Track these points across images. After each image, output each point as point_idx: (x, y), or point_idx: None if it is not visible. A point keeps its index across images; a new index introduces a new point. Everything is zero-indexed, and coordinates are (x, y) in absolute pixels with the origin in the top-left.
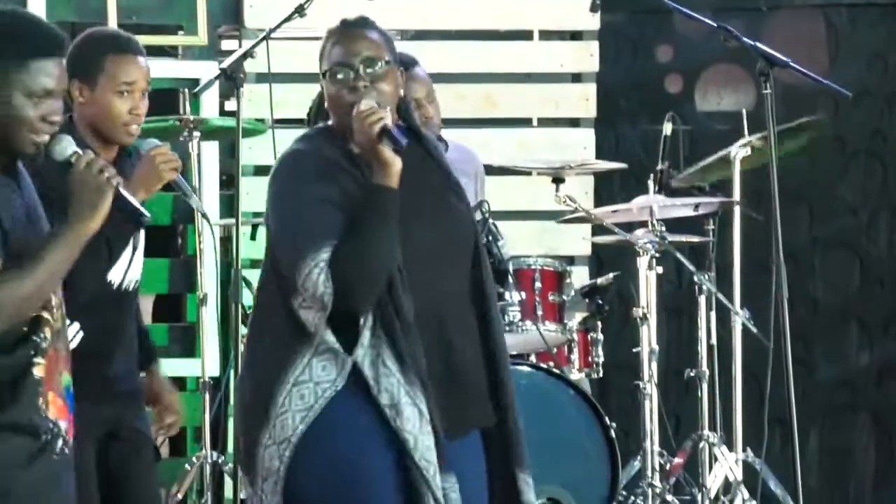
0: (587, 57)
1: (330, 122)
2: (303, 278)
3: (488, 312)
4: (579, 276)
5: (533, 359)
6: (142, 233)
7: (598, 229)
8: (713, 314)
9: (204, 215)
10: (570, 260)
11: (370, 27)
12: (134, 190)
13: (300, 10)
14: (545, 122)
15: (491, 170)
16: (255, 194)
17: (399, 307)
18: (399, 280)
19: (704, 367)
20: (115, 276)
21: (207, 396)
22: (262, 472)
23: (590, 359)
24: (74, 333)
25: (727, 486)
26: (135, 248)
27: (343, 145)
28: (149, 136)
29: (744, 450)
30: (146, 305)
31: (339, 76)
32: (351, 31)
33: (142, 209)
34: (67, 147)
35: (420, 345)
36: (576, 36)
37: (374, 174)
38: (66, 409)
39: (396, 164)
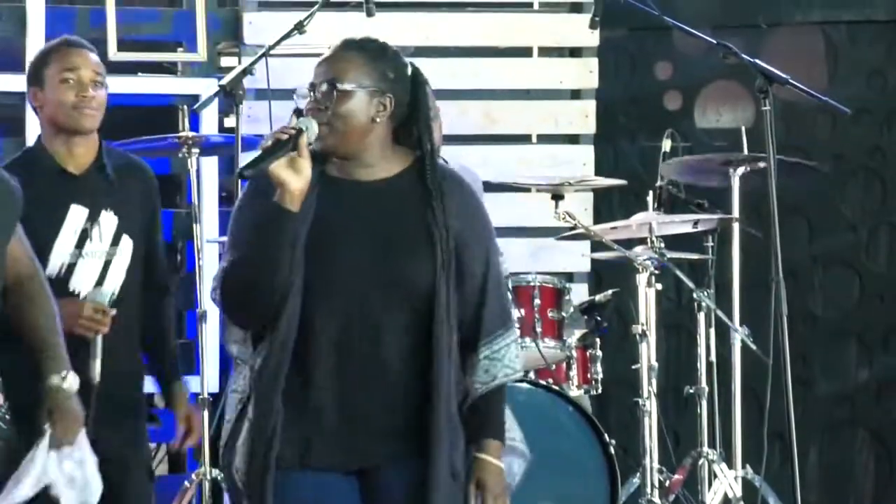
0: (586, 73)
1: None
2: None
3: (430, 371)
4: (578, 293)
5: (532, 375)
6: (122, 246)
7: (598, 246)
8: (712, 331)
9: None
10: (570, 276)
11: (356, 49)
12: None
13: (299, 27)
14: (544, 139)
15: (490, 186)
16: None
17: (278, 329)
18: (290, 301)
19: (704, 384)
20: (78, 285)
21: (207, 413)
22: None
23: (589, 375)
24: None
25: (727, 503)
26: (107, 262)
27: (320, 164)
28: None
29: (743, 466)
30: None
31: (308, 97)
32: (333, 52)
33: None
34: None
35: (279, 372)
36: (575, 53)
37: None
38: None
39: (288, 185)
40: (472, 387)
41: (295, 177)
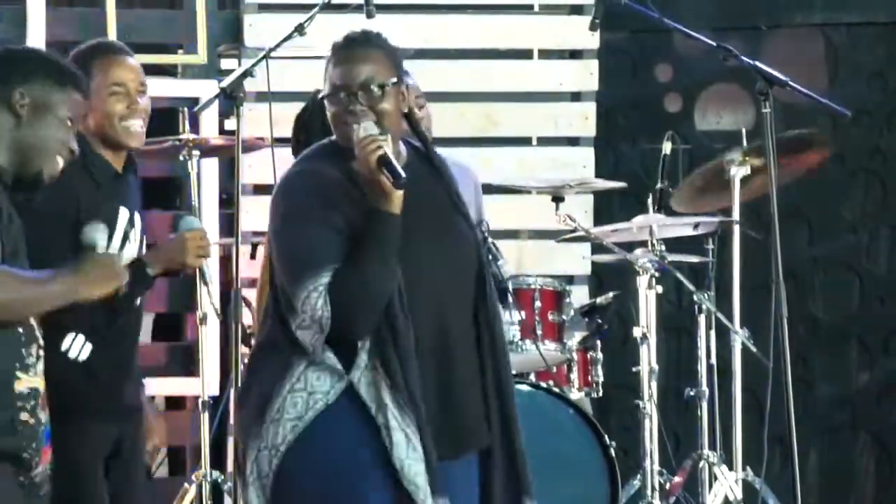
0: (587, 76)
1: (333, 138)
2: (301, 301)
3: (492, 330)
4: (579, 296)
5: (533, 378)
6: (143, 248)
7: (598, 248)
8: (713, 333)
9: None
10: (570, 279)
11: (372, 45)
12: (156, 260)
13: (300, 29)
14: (545, 141)
15: (491, 189)
16: (254, 213)
17: (396, 331)
18: (398, 303)
19: (704, 387)
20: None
21: (207, 415)
22: (253, 476)
23: (589, 378)
24: (81, 345)
25: None
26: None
27: (344, 164)
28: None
29: (743, 469)
30: (146, 324)
31: (338, 99)
32: (352, 51)
33: None
34: (100, 236)
35: (415, 368)
36: (575, 55)
37: (375, 199)
38: (43, 447)
39: (396, 192)
40: None
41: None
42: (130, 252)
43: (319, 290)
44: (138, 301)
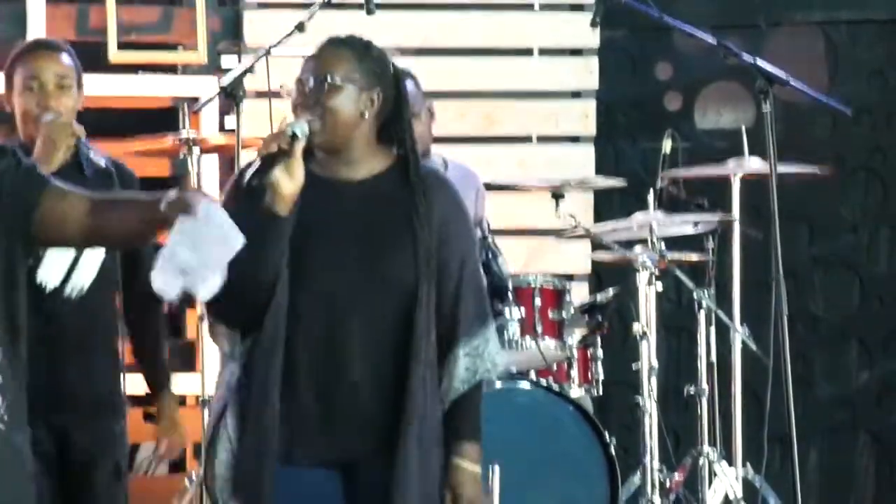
0: (587, 74)
1: None
2: None
3: (409, 374)
4: (579, 293)
5: (532, 376)
6: None
7: (598, 246)
8: (713, 331)
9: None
10: (570, 277)
11: (347, 46)
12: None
13: (300, 27)
14: (545, 140)
15: (491, 187)
16: None
17: (263, 328)
18: (278, 301)
19: (704, 384)
20: (46, 278)
21: (207, 412)
22: None
23: (589, 375)
24: None
25: (727, 503)
26: (77, 258)
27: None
28: (151, 155)
29: (743, 466)
30: None
31: (296, 91)
32: (323, 48)
33: None
34: None
35: (272, 367)
36: (575, 53)
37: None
38: None
39: (283, 190)
40: (450, 387)
41: (289, 182)
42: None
43: None
44: (71, 291)
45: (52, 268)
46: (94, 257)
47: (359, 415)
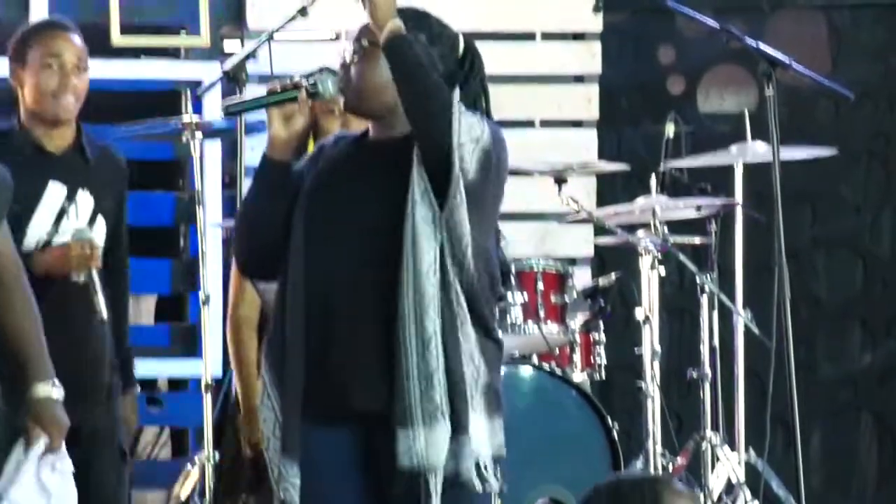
0: (589, 58)
1: None
2: None
3: (399, 304)
4: (581, 278)
5: (535, 360)
6: (97, 227)
7: (601, 230)
8: (715, 315)
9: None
10: (573, 261)
11: (403, 15)
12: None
13: (303, 11)
14: (548, 124)
15: None
16: None
17: (284, 282)
18: (292, 259)
19: (707, 368)
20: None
21: (209, 397)
22: None
23: (592, 359)
24: None
25: (730, 487)
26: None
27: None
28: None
29: (746, 450)
30: (148, 306)
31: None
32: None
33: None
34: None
35: (292, 322)
36: (578, 37)
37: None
38: None
39: (275, 132)
40: None
41: (283, 127)
42: (74, 227)
43: None
44: (79, 277)
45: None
46: (98, 238)
47: (348, 370)
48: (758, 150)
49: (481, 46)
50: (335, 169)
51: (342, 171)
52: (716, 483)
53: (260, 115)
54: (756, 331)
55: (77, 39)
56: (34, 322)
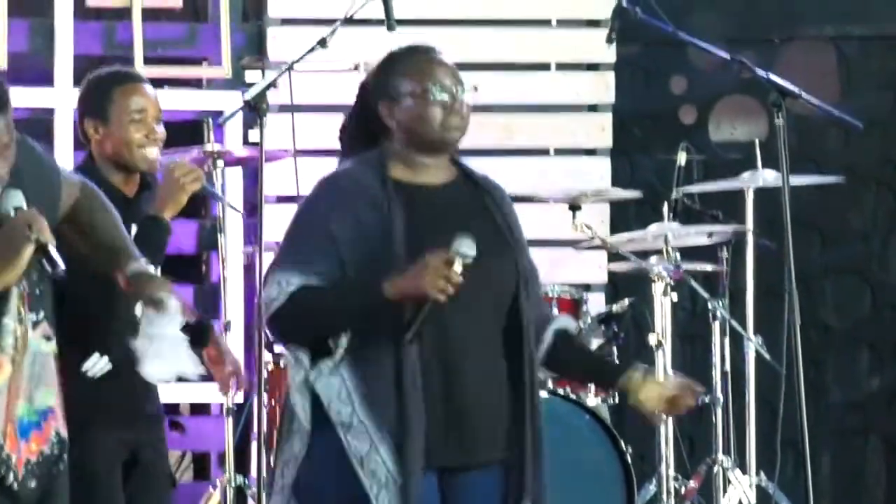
0: (603, 88)
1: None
2: (268, 284)
3: (520, 354)
4: (595, 303)
5: (550, 384)
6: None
7: (614, 257)
8: (727, 340)
9: (234, 209)
10: (587, 287)
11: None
12: (161, 207)
13: (322, 43)
14: (562, 152)
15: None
16: (278, 223)
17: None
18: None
19: (718, 393)
20: (139, 310)
21: (231, 421)
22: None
23: None
24: (103, 365)
25: None
26: None
27: (382, 170)
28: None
29: (757, 473)
30: None
31: (447, 97)
32: (441, 59)
33: (60, 266)
34: (11, 200)
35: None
36: (592, 67)
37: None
38: (17, 441)
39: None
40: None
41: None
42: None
43: (283, 285)
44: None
45: None
46: None
47: (475, 419)
48: (768, 178)
49: (499, 77)
50: (431, 224)
51: (444, 227)
52: None
53: (281, 143)
54: (767, 356)
55: (152, 90)
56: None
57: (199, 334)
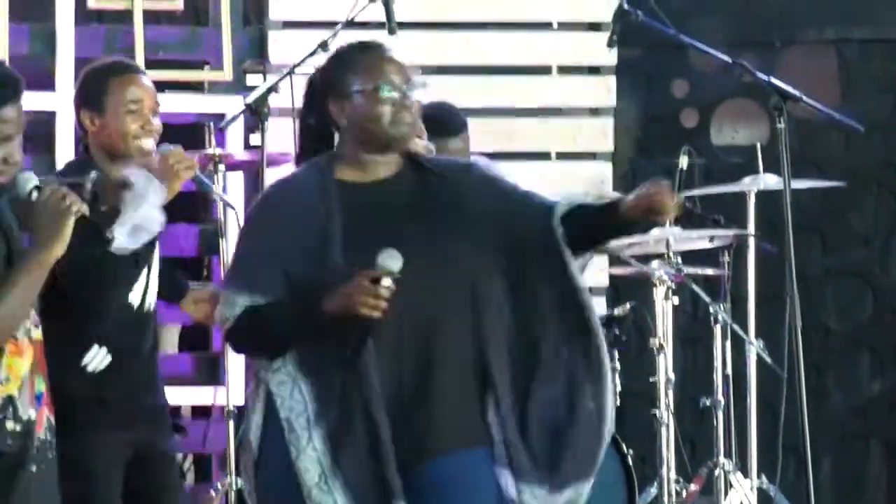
0: (605, 92)
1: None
2: (220, 301)
3: (485, 352)
4: (597, 307)
5: None
6: (155, 255)
7: (616, 261)
8: (728, 344)
9: (228, 205)
10: (588, 291)
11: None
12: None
13: (323, 46)
14: (564, 156)
15: None
16: None
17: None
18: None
19: (720, 396)
20: (133, 298)
21: (232, 424)
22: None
23: None
24: (102, 358)
25: None
26: (149, 270)
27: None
28: None
29: (758, 476)
30: (172, 335)
31: (392, 94)
32: (388, 54)
33: (111, 223)
34: (28, 183)
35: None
36: (593, 71)
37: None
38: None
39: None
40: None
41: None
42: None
43: (232, 312)
44: (147, 273)
45: (137, 288)
46: (156, 275)
47: (432, 410)
48: (769, 182)
49: (500, 80)
50: (372, 225)
51: (384, 228)
52: None
53: (282, 146)
54: (768, 359)
55: (149, 81)
56: None
57: (178, 291)
